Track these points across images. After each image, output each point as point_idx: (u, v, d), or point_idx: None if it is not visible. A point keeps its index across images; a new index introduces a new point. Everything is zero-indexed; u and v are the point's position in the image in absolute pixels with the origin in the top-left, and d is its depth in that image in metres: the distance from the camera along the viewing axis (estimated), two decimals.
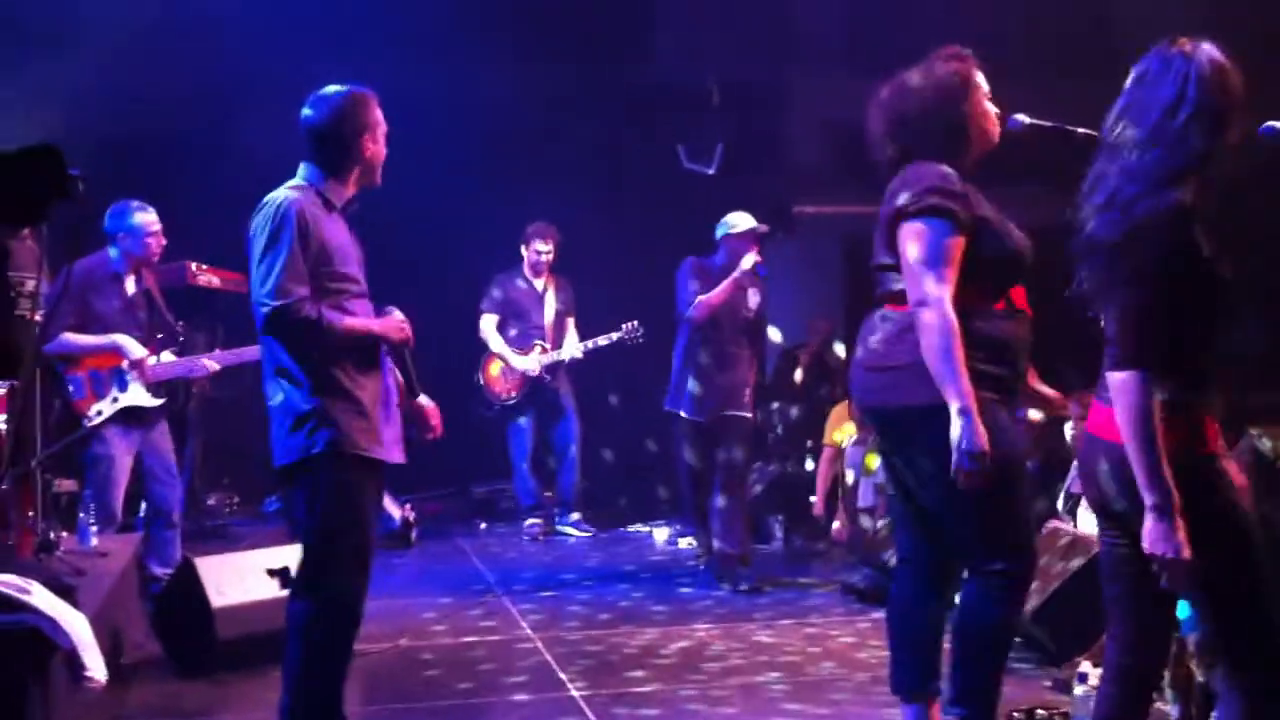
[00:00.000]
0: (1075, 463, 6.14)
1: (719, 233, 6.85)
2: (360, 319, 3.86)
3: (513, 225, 8.56)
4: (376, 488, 3.95)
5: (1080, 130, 3.54)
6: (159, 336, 6.12)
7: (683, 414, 6.82)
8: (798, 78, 9.46)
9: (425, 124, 6.80)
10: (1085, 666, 4.39)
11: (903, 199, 3.48)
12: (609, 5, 8.93)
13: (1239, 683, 2.85)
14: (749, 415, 6.83)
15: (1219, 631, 2.88)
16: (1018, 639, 5.07)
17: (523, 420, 8.42)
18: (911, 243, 3.44)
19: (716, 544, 6.74)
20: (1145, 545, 2.75)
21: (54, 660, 3.90)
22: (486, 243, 8.69)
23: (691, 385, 6.76)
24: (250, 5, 7.82)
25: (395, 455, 3.96)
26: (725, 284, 6.60)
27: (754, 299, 6.78)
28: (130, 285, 6.13)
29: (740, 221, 6.79)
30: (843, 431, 7.73)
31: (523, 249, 8.49)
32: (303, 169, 3.94)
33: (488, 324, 8.43)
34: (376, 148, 3.94)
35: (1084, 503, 4.91)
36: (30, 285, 5.08)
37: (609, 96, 9.16)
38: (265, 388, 3.89)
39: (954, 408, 3.29)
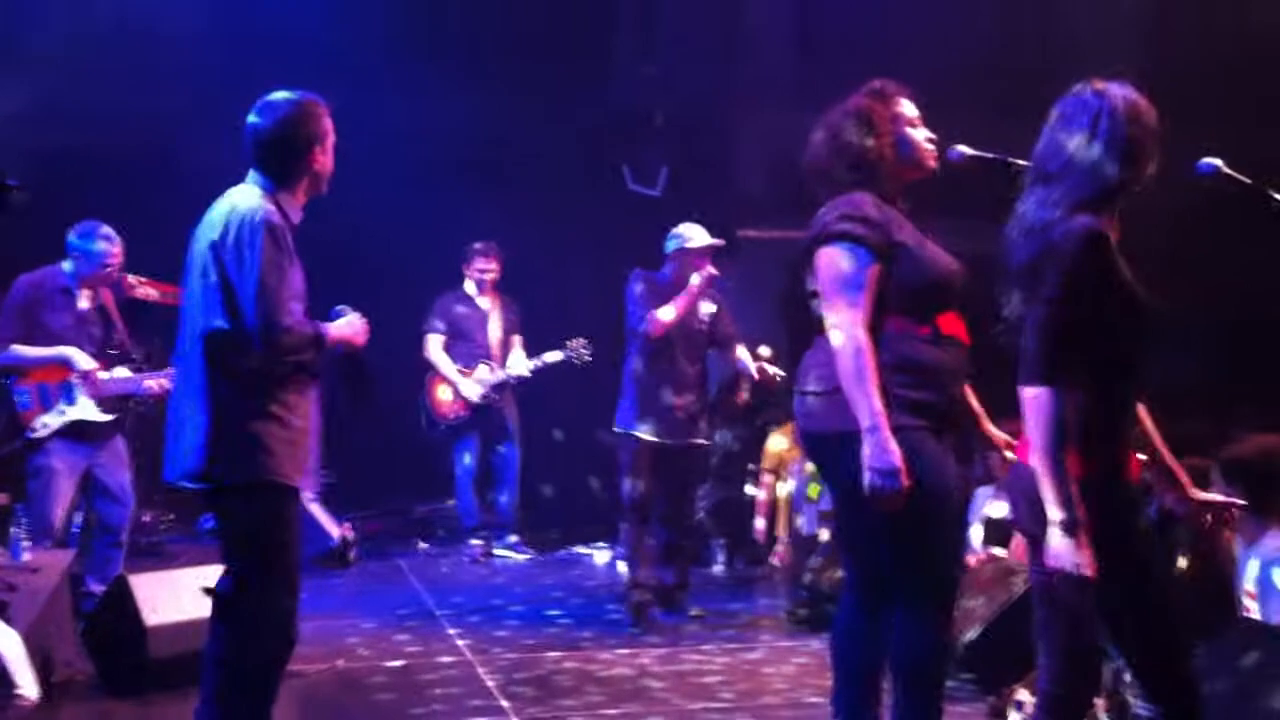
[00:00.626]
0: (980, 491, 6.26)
1: (669, 246, 6.49)
2: (316, 326, 3.79)
3: (457, 246, 8.55)
4: (298, 512, 3.90)
5: (1021, 162, 3.60)
6: (112, 353, 6.02)
7: (640, 435, 6.37)
8: (743, 106, 9.51)
9: (371, 144, 6.78)
10: (1022, 694, 4.43)
11: (816, 227, 3.57)
12: (561, 33, 8.95)
13: (1153, 711, 2.92)
14: (707, 443, 6.69)
15: (1126, 661, 2.97)
16: (954, 666, 5.12)
17: (468, 441, 8.38)
18: (823, 268, 3.52)
19: (657, 577, 6.49)
20: (1047, 559, 2.82)
21: None
22: (431, 263, 8.67)
23: (645, 404, 6.36)
24: (203, 22, 7.79)
25: (307, 485, 3.92)
26: (683, 298, 6.26)
27: (704, 312, 6.50)
28: (84, 300, 6.04)
29: (696, 235, 6.44)
30: (790, 454, 7.75)
31: (464, 268, 8.47)
32: (253, 176, 3.81)
33: (434, 344, 8.39)
34: (325, 159, 3.84)
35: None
36: None
37: (558, 120, 9.17)
38: (182, 404, 3.77)
39: (864, 425, 3.32)
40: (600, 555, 8.39)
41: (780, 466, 7.98)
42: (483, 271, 8.41)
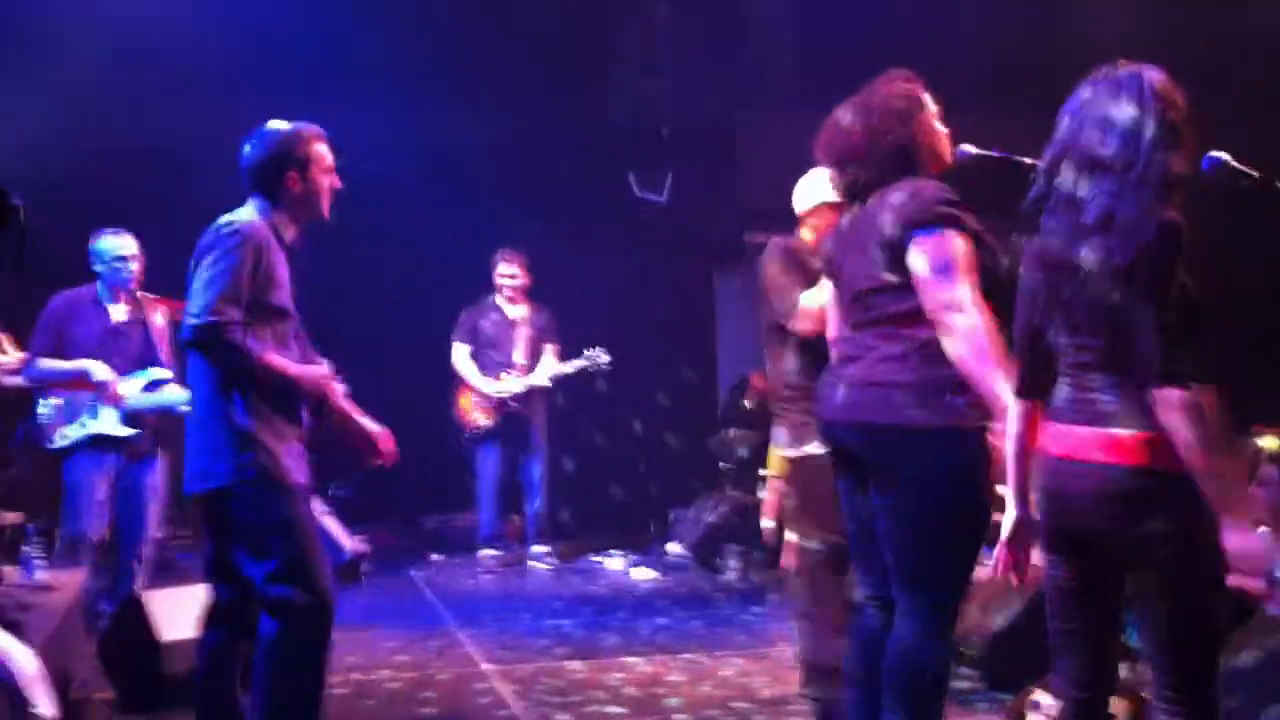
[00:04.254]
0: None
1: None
2: (282, 360, 3.86)
3: (464, 257, 8.56)
4: (307, 509, 3.96)
5: (1027, 160, 3.59)
6: (147, 370, 5.98)
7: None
8: (746, 111, 9.52)
9: (378, 158, 6.82)
10: (1039, 695, 4.41)
11: (906, 214, 3.40)
12: (565, 43, 8.97)
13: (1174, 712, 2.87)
14: None
15: (1163, 662, 2.88)
16: (967, 668, 5.11)
17: (491, 449, 8.35)
18: (931, 253, 3.35)
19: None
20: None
21: None
22: (441, 275, 8.70)
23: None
24: (210, 45, 7.81)
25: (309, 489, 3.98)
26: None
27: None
28: (118, 313, 6.04)
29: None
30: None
31: (494, 276, 8.46)
32: (250, 202, 3.97)
33: (459, 353, 8.39)
34: (308, 183, 3.95)
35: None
36: None
37: (563, 129, 9.18)
38: (191, 414, 3.89)
39: (1000, 406, 3.20)
40: (614, 563, 8.37)
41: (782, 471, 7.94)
42: (504, 276, 8.39)
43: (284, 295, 3.90)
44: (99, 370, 5.81)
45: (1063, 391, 2.94)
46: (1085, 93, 2.93)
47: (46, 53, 7.61)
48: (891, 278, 3.46)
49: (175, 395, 5.92)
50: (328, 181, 4.00)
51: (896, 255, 3.43)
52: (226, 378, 3.80)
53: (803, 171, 4.73)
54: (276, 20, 7.89)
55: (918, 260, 3.38)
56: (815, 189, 4.67)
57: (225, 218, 3.89)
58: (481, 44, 8.73)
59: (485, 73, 8.67)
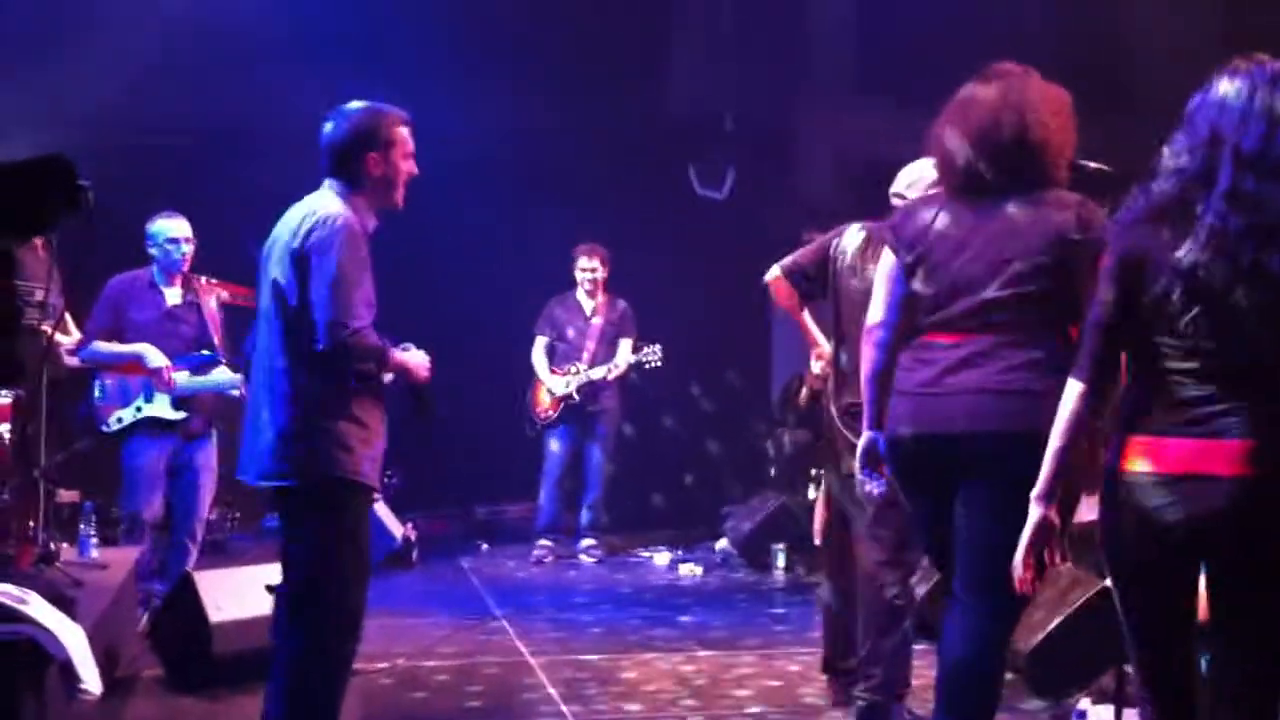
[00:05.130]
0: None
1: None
2: (401, 355, 3.85)
3: (525, 250, 8.60)
4: (369, 511, 3.98)
5: (1091, 164, 3.54)
6: (202, 352, 6.05)
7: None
8: (808, 107, 9.48)
9: (439, 152, 6.83)
10: (1084, 704, 4.37)
11: (1082, 226, 3.30)
12: (624, 36, 8.96)
13: None
14: None
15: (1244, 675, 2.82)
16: (1013, 675, 5.06)
17: (554, 441, 8.37)
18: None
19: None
20: None
21: (49, 672, 3.90)
22: (500, 268, 8.75)
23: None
24: (272, 28, 7.87)
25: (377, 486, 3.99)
26: None
27: None
28: (173, 296, 6.11)
29: None
30: None
31: (573, 270, 8.47)
32: (326, 184, 3.86)
33: (537, 346, 8.43)
34: (388, 166, 3.83)
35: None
36: (39, 295, 5.09)
37: (623, 124, 9.17)
38: (260, 404, 3.81)
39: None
40: (661, 558, 8.37)
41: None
42: (583, 270, 8.39)
43: (370, 285, 3.80)
44: (153, 356, 5.87)
45: (1174, 402, 2.78)
46: (1230, 86, 2.77)
47: (110, 28, 7.68)
48: (1048, 284, 3.35)
49: (226, 377, 6.00)
50: (406, 168, 3.89)
51: (1063, 259, 3.31)
52: (342, 379, 3.73)
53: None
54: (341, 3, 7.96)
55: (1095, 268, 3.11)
56: (927, 175, 4.34)
57: (307, 206, 3.79)
58: (544, 32, 8.74)
59: (545, 61, 8.67)
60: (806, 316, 4.97)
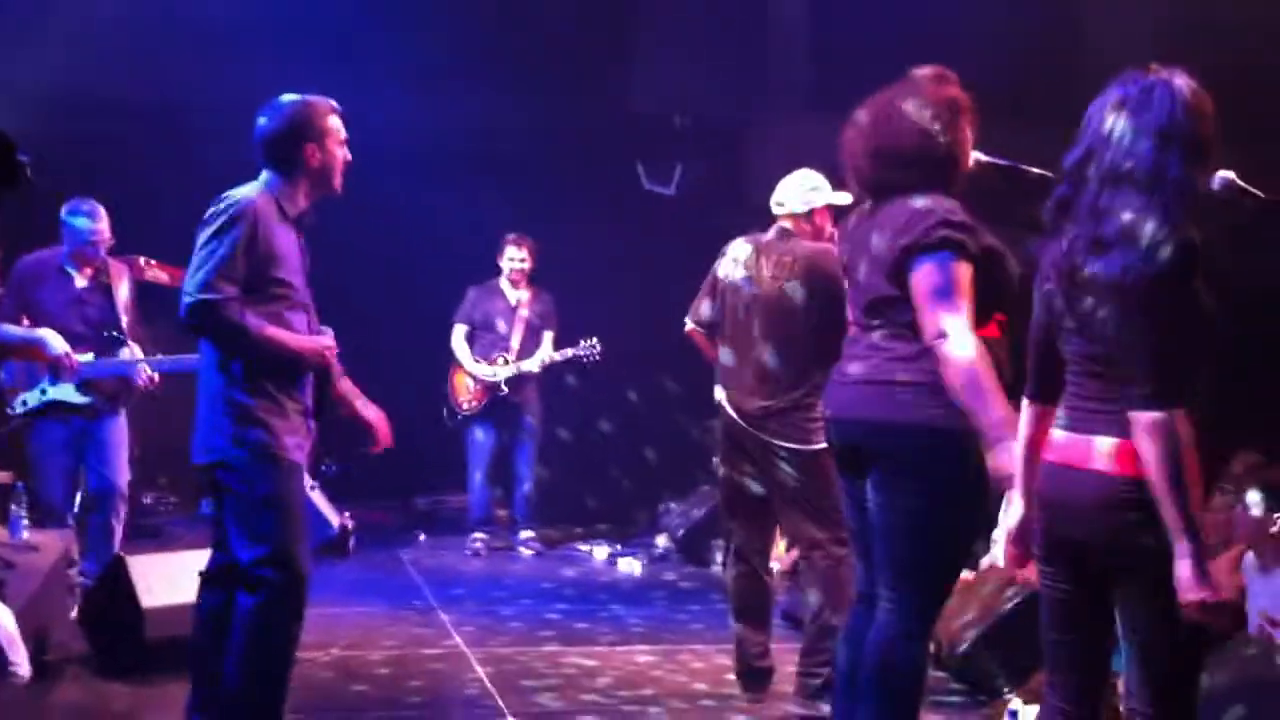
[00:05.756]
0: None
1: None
2: (281, 332, 3.85)
3: (470, 241, 8.54)
4: (300, 488, 3.98)
5: (1034, 170, 3.57)
6: (110, 335, 5.97)
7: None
8: (760, 108, 9.50)
9: (387, 140, 6.80)
10: (1016, 703, 4.41)
11: (912, 234, 3.38)
12: (580, 33, 8.95)
13: None
14: None
15: (1147, 677, 2.85)
16: (944, 673, 5.12)
17: (480, 432, 8.31)
18: (927, 280, 3.33)
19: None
20: (1181, 593, 2.62)
21: None
22: (443, 258, 8.67)
23: None
24: (221, 10, 7.79)
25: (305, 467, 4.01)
26: None
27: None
28: (81, 280, 6.04)
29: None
30: None
31: (498, 259, 8.42)
32: (263, 175, 3.95)
33: (456, 334, 8.36)
34: (326, 155, 3.93)
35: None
36: None
37: (573, 118, 9.15)
38: (199, 384, 3.90)
39: (989, 437, 3.19)
40: (600, 551, 8.37)
41: None
42: (510, 259, 8.34)
43: (287, 268, 3.87)
44: (55, 342, 5.74)
45: (1065, 399, 2.89)
46: (1114, 96, 2.82)
47: (52, 9, 7.57)
48: (897, 291, 3.44)
49: (129, 359, 5.93)
50: (342, 154, 3.98)
51: (898, 273, 3.41)
52: (226, 353, 3.81)
53: (814, 168, 4.74)
54: None
55: (916, 285, 3.36)
56: (819, 189, 4.74)
57: (227, 193, 3.87)
58: (501, 26, 8.71)
59: (501, 56, 8.63)
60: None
